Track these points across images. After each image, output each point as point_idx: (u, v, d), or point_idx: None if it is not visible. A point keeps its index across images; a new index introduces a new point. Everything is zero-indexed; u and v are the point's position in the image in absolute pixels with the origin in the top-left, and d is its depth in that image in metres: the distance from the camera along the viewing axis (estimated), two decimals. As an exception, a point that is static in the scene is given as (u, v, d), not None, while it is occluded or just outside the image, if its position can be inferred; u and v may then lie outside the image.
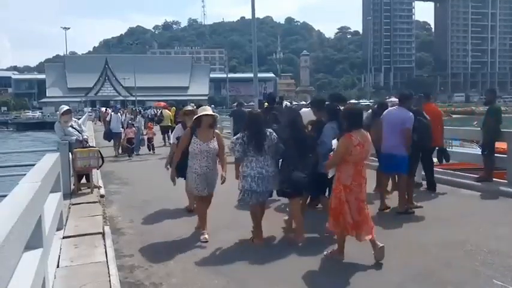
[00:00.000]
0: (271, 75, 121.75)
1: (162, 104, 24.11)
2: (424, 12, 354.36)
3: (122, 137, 15.73)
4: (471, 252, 4.93)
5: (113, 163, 13.47)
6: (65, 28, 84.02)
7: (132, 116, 17.22)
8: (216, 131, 5.76)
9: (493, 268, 4.45)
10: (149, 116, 27.72)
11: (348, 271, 4.50)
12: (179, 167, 5.69)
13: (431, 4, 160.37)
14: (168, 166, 6.58)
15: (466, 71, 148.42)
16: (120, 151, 15.74)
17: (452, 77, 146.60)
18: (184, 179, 5.93)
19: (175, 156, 5.78)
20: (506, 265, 4.53)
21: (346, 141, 4.64)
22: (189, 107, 7.54)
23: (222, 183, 5.56)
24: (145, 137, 16.51)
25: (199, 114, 5.55)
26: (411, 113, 6.71)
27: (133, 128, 15.53)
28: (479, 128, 9.02)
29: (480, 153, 8.86)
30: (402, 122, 6.61)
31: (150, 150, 16.14)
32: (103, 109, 27.43)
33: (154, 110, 31.31)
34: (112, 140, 15.90)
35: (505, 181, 8.17)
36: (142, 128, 16.97)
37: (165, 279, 4.42)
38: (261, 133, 5.22)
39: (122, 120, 16.39)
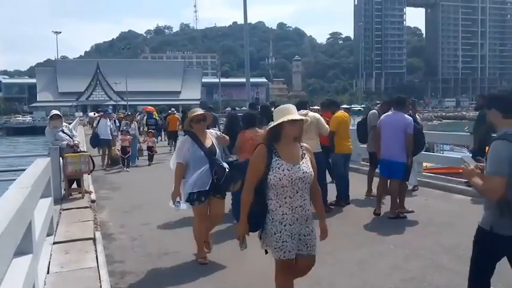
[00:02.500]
0: (264, 80, 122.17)
1: (150, 108, 24.08)
2: (415, 18, 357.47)
3: (115, 145, 14.16)
4: (463, 257, 4.93)
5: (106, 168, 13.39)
6: (56, 32, 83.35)
7: (128, 122, 15.11)
8: (305, 144, 3.32)
9: (484, 272, 4.46)
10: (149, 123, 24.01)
11: (341, 274, 4.51)
12: (254, 214, 3.19)
13: (422, 10, 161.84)
14: (177, 201, 4.80)
15: (457, 77, 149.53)
16: (109, 162, 13.69)
17: (443, 82, 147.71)
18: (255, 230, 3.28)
19: (245, 195, 3.22)
20: (497, 270, 4.55)
21: (241, 136, 6.28)
22: (199, 110, 5.16)
23: (321, 240, 3.38)
24: (145, 146, 14.72)
25: (280, 121, 3.11)
26: (411, 118, 6.63)
27: (129, 136, 13.50)
28: (469, 133, 9.09)
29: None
30: (404, 128, 6.48)
31: (149, 161, 14.19)
32: (91, 114, 26.53)
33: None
34: (98, 148, 13.84)
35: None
36: (138, 135, 15.27)
37: (156, 285, 4.40)
38: None
39: (110, 126, 13.96)
